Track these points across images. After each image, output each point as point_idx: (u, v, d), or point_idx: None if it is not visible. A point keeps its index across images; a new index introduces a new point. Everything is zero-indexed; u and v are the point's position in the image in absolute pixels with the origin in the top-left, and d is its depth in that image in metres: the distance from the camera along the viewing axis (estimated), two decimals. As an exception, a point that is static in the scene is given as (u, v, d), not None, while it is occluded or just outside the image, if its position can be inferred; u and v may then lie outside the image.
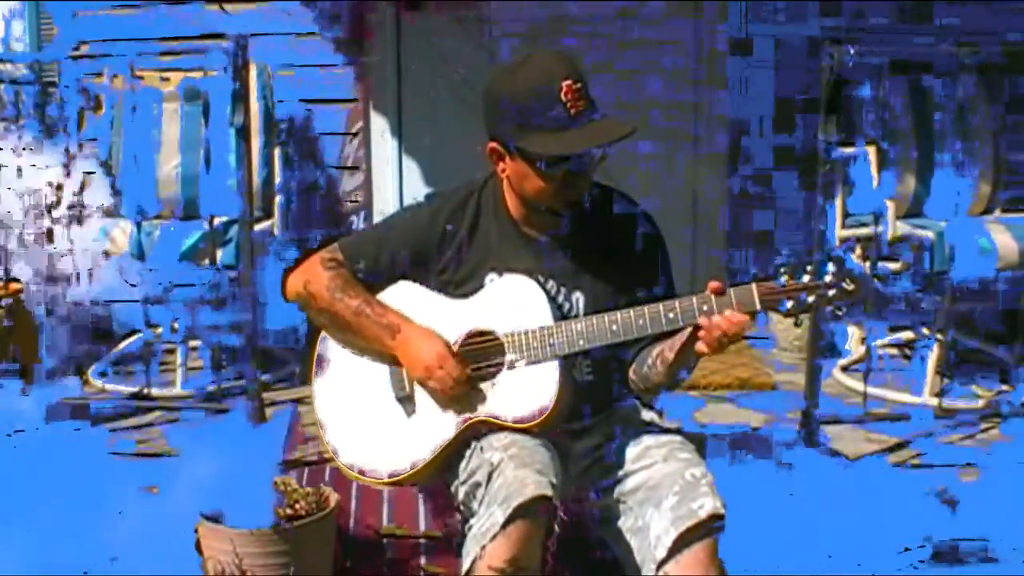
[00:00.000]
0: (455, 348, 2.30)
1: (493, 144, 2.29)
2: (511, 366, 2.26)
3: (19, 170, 3.94)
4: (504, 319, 2.28)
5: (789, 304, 2.12)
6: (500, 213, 2.37)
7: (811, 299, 2.12)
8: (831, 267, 2.12)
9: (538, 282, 2.29)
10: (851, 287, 2.11)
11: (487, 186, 2.40)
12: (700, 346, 2.13)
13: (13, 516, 2.75)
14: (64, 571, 2.61)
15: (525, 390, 2.24)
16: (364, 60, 4.77)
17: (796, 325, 2.17)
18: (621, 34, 4.70)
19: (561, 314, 2.30)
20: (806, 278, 2.12)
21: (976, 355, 4.20)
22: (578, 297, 2.33)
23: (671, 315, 2.16)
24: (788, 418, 3.69)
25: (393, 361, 2.35)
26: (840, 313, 2.14)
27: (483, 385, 2.28)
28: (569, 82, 2.17)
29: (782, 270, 2.12)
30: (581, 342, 2.22)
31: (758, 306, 2.11)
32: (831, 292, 2.11)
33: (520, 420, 2.22)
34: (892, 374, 4.11)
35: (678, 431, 2.36)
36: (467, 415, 2.27)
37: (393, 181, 4.89)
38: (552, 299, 2.29)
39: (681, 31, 4.74)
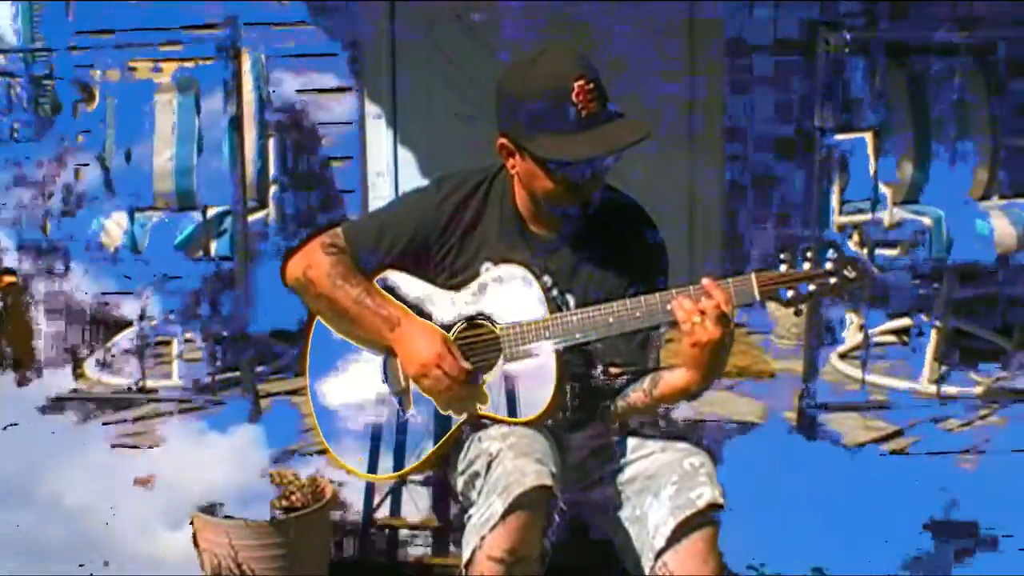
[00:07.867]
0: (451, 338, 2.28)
1: (503, 140, 2.25)
2: (507, 359, 2.24)
3: (12, 162, 3.92)
4: (499, 309, 2.26)
5: (790, 294, 2.10)
6: (507, 206, 2.33)
7: (812, 288, 2.10)
8: (831, 255, 2.10)
9: (534, 274, 2.26)
10: (852, 275, 2.09)
11: (499, 176, 2.36)
12: (685, 342, 2.08)
13: (10, 508, 2.74)
14: (58, 565, 2.61)
15: (522, 384, 2.22)
16: (358, 48, 4.73)
17: (796, 314, 2.15)
18: (616, 30, 4.64)
19: (555, 308, 2.28)
20: (806, 266, 2.10)
21: (974, 341, 4.19)
22: (569, 300, 2.31)
23: (668, 307, 2.13)
24: (785, 406, 3.67)
25: (390, 353, 2.33)
26: (840, 301, 2.13)
27: (479, 379, 2.26)
28: (582, 82, 2.11)
29: (781, 259, 2.10)
30: (577, 334, 2.20)
31: (757, 296, 2.09)
32: (832, 280, 2.09)
33: (517, 415, 2.20)
34: (890, 361, 4.10)
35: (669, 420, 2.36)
36: (463, 411, 2.25)
37: (388, 170, 4.87)
38: (547, 292, 2.27)
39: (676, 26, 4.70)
